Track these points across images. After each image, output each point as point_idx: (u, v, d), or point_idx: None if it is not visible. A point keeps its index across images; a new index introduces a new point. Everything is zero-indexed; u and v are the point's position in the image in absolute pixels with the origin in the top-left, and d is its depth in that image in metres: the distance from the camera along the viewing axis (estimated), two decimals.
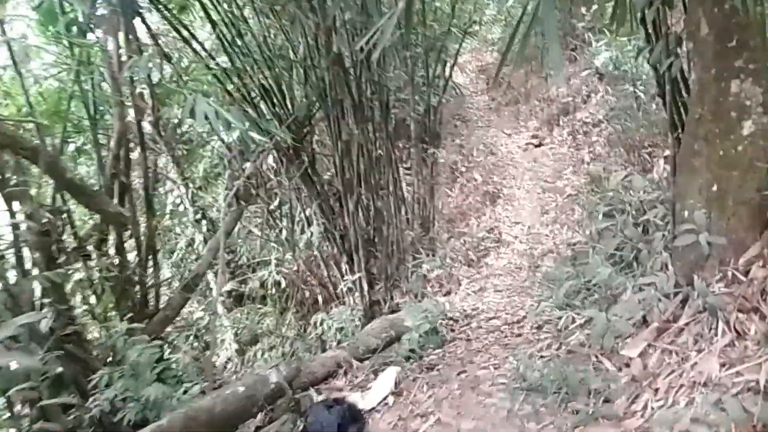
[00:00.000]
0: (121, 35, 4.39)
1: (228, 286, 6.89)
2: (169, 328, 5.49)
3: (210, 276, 7.21)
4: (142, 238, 4.21)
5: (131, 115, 4.58)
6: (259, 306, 7.43)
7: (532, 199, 8.16)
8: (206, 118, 3.67)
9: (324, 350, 4.59)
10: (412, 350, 4.37)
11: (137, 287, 4.12)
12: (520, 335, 4.70)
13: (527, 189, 8.48)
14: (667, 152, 6.61)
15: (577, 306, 4.79)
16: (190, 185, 6.30)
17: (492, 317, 5.50)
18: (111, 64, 4.02)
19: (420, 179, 7.19)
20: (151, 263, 4.27)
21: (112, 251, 4.03)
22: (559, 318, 4.86)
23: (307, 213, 7.05)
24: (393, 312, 6.95)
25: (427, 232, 7.23)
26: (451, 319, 5.62)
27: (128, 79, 4.03)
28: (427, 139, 7.82)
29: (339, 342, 4.68)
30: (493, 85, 13.29)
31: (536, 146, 9.95)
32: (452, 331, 5.31)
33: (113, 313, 4.04)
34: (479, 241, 7.17)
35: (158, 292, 4.23)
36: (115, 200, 3.82)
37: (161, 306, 4.24)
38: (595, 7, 9.58)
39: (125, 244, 4.15)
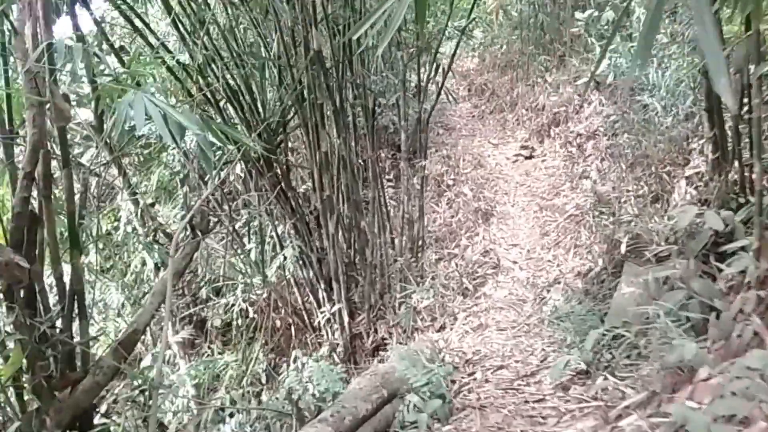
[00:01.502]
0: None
1: (181, 334, 5.79)
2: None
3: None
4: (66, 280, 3.14)
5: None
6: (222, 346, 6.35)
7: (528, 217, 7.25)
8: (148, 118, 2.65)
9: (301, 420, 3.57)
10: (413, 424, 3.39)
11: (57, 346, 3.05)
12: (542, 399, 3.74)
13: (522, 206, 7.57)
14: (689, 172, 5.78)
15: (611, 366, 3.87)
16: (141, 200, 5.19)
17: (499, 365, 4.54)
18: (25, 52, 2.94)
19: (408, 195, 6.21)
20: (76, 312, 3.19)
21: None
22: (586, 376, 3.94)
23: (280, 232, 6.01)
24: (377, 348, 5.98)
25: (415, 257, 6.25)
26: (450, 365, 4.64)
27: (53, 74, 2.95)
28: (414, 150, 6.85)
29: (319, 410, 3.65)
30: (475, 91, 12.42)
31: (526, 158, 9.07)
32: (453, 383, 4.33)
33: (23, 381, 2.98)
34: (474, 265, 6.22)
35: (86, 350, 3.15)
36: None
37: (90, 368, 3.17)
38: (591, 11, 8.76)
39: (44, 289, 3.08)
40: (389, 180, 8.03)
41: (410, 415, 3.44)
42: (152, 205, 5.22)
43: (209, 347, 6.77)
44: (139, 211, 5.15)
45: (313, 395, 3.83)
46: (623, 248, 4.82)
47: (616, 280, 5.11)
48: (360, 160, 6.96)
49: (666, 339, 2.98)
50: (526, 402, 3.73)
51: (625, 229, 5.14)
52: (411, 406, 3.52)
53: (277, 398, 4.09)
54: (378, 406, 3.80)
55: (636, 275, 4.67)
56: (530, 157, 9.05)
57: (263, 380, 6.32)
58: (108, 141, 4.67)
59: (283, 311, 6.43)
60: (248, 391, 4.73)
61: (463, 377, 4.48)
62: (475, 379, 4.42)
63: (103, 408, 4.28)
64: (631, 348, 3.90)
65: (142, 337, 6.29)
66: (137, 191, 5.30)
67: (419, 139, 6.46)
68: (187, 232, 3.43)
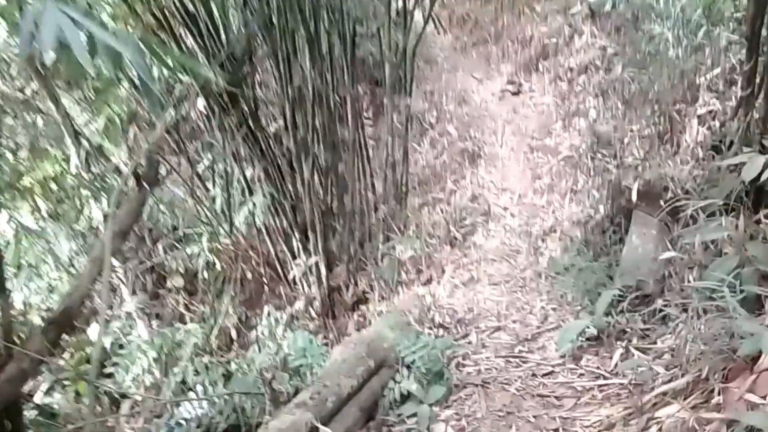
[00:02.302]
0: None
1: (137, 301, 5.12)
2: None
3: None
4: None
5: None
6: (188, 297, 5.74)
7: (518, 159, 6.67)
8: (63, 40, 1.95)
9: (275, 402, 3.02)
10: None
11: None
12: (552, 373, 3.25)
13: (511, 147, 6.96)
14: (702, 111, 5.21)
15: (628, 334, 3.38)
16: (84, 142, 4.44)
17: (496, 326, 4.05)
18: None
19: (391, 135, 5.54)
20: None
21: None
22: (597, 342, 3.45)
23: (249, 177, 5.31)
24: (358, 302, 5.44)
25: (399, 203, 5.64)
26: (441, 326, 4.13)
27: None
28: (397, 86, 6.13)
29: (296, 390, 3.09)
30: (457, 22, 11.51)
31: (513, 94, 8.40)
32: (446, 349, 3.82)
33: None
34: (461, 212, 5.65)
35: (9, 330, 2.52)
36: None
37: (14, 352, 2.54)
38: None
39: None
40: (368, 118, 7.31)
41: (407, 407, 2.90)
42: (99, 147, 4.49)
43: (173, 301, 6.18)
44: (84, 154, 4.41)
45: (289, 374, 3.27)
46: (634, 195, 4.27)
47: (620, 230, 4.61)
48: (337, 96, 6.23)
49: (716, 313, 2.45)
50: (534, 376, 3.23)
51: (633, 174, 4.58)
52: (403, 388, 2.98)
53: (245, 373, 3.53)
54: (364, 380, 3.27)
55: (648, 226, 4.15)
56: (517, 93, 8.38)
57: (233, 335, 5.78)
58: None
59: (253, 262, 5.82)
60: (214, 360, 4.17)
61: (456, 340, 3.98)
62: (470, 343, 3.92)
63: (44, 386, 3.69)
64: (652, 314, 3.41)
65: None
66: (81, 131, 4.53)
67: (403, 72, 5.74)
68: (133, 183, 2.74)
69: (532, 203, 5.76)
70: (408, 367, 3.23)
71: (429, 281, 5.06)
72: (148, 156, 2.86)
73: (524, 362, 3.46)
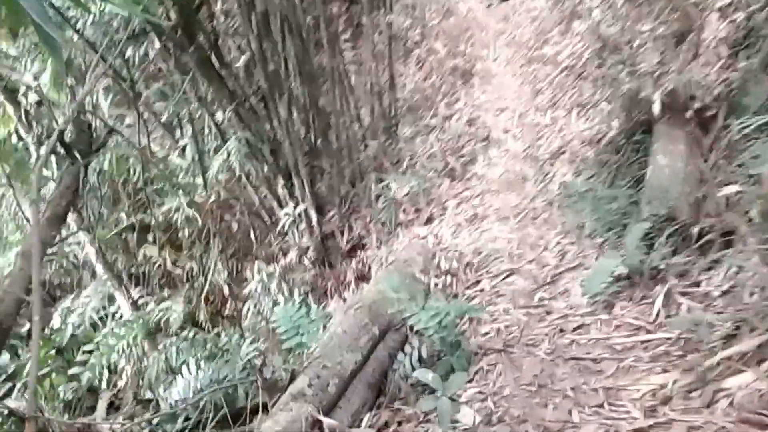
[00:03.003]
0: None
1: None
2: None
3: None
4: None
5: None
6: (175, 253, 5.25)
7: (515, 73, 6.00)
8: None
9: (271, 390, 2.58)
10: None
11: None
12: (583, 326, 2.80)
13: (506, 60, 6.28)
14: (722, 2, 4.54)
15: (665, 273, 2.91)
16: (24, 101, 3.79)
17: (509, 270, 3.59)
18: None
19: (374, 59, 4.87)
20: None
21: None
22: (629, 285, 3.00)
23: (219, 121, 4.69)
24: (354, 248, 4.96)
25: (389, 136, 5.06)
26: (448, 273, 3.67)
27: None
28: (376, 1, 5.41)
29: (292, 374, 2.63)
30: None
31: (502, 0, 7.59)
32: (455, 297, 3.38)
33: None
34: (458, 139, 5.07)
35: None
36: None
37: None
38: None
39: None
40: (346, 41, 6.56)
41: (424, 402, 2.45)
42: (39, 104, 3.83)
43: (159, 259, 5.69)
44: (23, 111, 3.77)
45: (283, 357, 2.81)
46: (656, 108, 3.70)
47: (641, 148, 4.06)
48: (310, 18, 5.50)
49: None
50: (562, 332, 2.79)
51: (651, 83, 3.98)
52: (416, 374, 2.53)
53: (235, 349, 3.07)
54: (369, 351, 2.84)
55: (674, 142, 3.61)
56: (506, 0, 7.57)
57: (225, 291, 5.35)
58: None
59: (238, 213, 5.30)
60: (201, 330, 3.72)
61: (465, 289, 3.53)
62: (482, 291, 3.47)
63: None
64: (690, 245, 2.93)
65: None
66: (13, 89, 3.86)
67: None
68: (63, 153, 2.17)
69: (535, 122, 5.17)
70: (418, 333, 2.78)
71: (430, 220, 4.56)
72: (77, 120, 2.27)
73: (548, 313, 3.01)
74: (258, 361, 2.78)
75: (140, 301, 4.86)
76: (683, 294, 2.67)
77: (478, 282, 3.56)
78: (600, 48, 5.14)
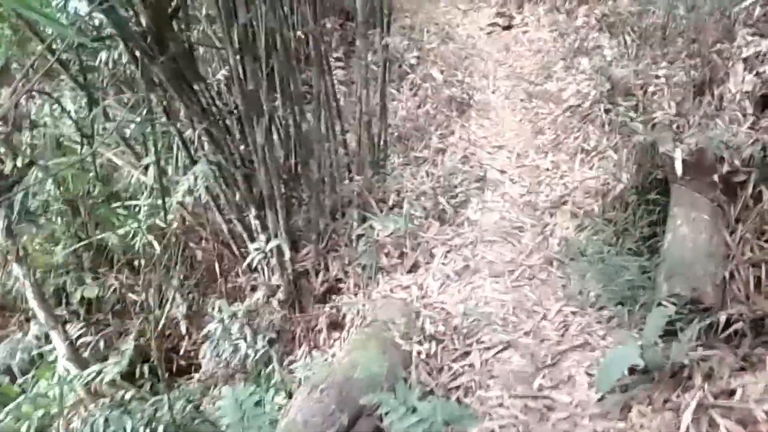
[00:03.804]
0: None
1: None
2: None
3: None
4: None
5: None
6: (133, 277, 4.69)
7: (515, 108, 5.56)
8: None
9: None
10: None
11: None
12: None
13: (505, 93, 5.83)
14: (748, 52, 4.14)
15: (690, 369, 2.45)
16: None
17: (503, 342, 3.10)
18: None
19: (365, 85, 4.38)
20: None
21: None
22: (649, 379, 2.53)
23: (189, 140, 4.16)
24: (329, 291, 4.43)
25: (377, 169, 4.57)
26: (433, 338, 3.17)
27: None
28: (372, 20, 4.93)
29: None
30: None
31: (504, 29, 7.19)
32: (440, 372, 2.90)
33: None
34: (451, 177, 4.59)
35: None
36: None
37: None
38: None
39: None
40: (338, 60, 6.09)
41: None
42: None
43: (116, 282, 5.11)
44: None
45: None
46: (678, 167, 3.25)
47: (654, 209, 3.62)
48: (299, 34, 5.00)
49: None
50: None
51: (671, 137, 3.55)
52: None
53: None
54: None
55: (698, 209, 3.16)
56: (509, 27, 7.18)
57: (182, 329, 4.79)
58: None
59: (203, 241, 4.76)
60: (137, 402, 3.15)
61: (452, 362, 3.02)
62: (471, 367, 2.97)
63: None
64: (722, 343, 2.48)
65: None
66: None
67: (379, 4, 4.53)
68: None
69: (535, 165, 4.72)
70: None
71: (415, 267, 4.06)
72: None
73: (550, 410, 2.53)
74: None
75: (82, 340, 4.29)
76: (715, 407, 2.19)
77: (467, 354, 3.06)
78: (609, 90, 4.72)
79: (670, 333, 2.64)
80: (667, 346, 2.58)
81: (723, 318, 2.69)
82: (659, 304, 2.79)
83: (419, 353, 3.06)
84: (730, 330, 2.69)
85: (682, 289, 2.81)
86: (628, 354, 2.49)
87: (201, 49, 4.70)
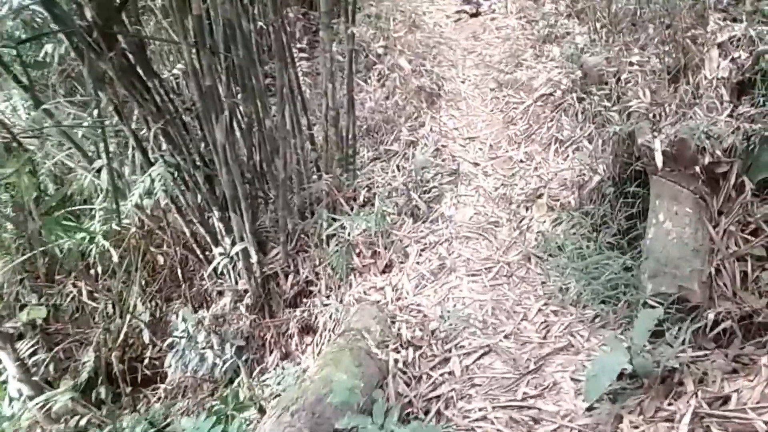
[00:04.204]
0: None
1: None
2: None
3: None
4: None
5: None
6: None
7: (485, 98, 5.37)
8: None
9: None
10: None
11: None
12: None
13: (475, 82, 5.64)
14: (723, 37, 4.03)
15: (680, 372, 2.32)
16: None
17: (483, 346, 2.93)
18: None
19: (331, 77, 4.14)
20: None
21: None
22: (638, 386, 2.39)
23: (144, 137, 3.86)
24: (300, 294, 4.21)
25: (346, 164, 4.35)
26: (410, 344, 2.99)
27: None
28: (336, 8, 4.69)
29: None
30: None
31: (472, 16, 6.99)
32: (419, 381, 2.73)
33: None
34: (423, 172, 4.39)
35: None
36: None
37: None
38: None
39: None
40: (301, 50, 5.82)
41: None
42: None
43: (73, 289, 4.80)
44: None
45: None
46: (658, 159, 3.11)
47: (633, 201, 3.49)
48: (261, 25, 4.74)
49: None
50: None
51: (649, 126, 3.41)
52: None
53: None
54: None
55: (680, 202, 3.03)
56: (476, 15, 6.98)
57: (145, 338, 4.50)
58: None
59: (165, 245, 4.48)
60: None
61: (431, 370, 2.85)
62: (451, 375, 2.80)
63: None
64: (711, 344, 2.35)
65: None
66: None
67: None
68: None
69: (508, 156, 4.55)
70: None
71: (389, 267, 3.87)
72: None
73: (536, 422, 2.37)
74: None
75: (34, 359, 3.99)
76: (711, 417, 2.06)
77: (446, 360, 2.89)
78: (581, 78, 4.58)
79: (656, 333, 2.51)
80: (654, 348, 2.44)
81: (711, 317, 2.57)
82: (645, 304, 2.65)
83: (396, 362, 2.88)
84: (719, 329, 2.57)
85: (667, 288, 2.67)
86: (616, 360, 2.34)
87: (156, 42, 4.40)
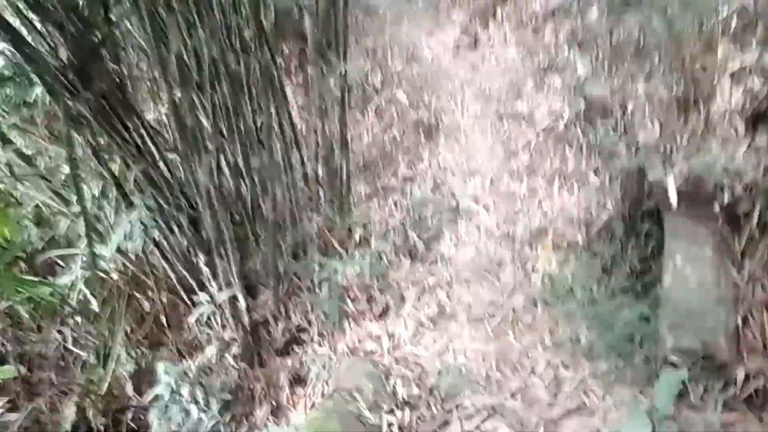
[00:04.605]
0: None
1: None
2: None
3: None
4: None
5: None
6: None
7: (485, 131, 5.15)
8: None
9: None
10: None
11: None
12: None
13: (475, 115, 5.43)
14: (735, 66, 3.80)
15: None
16: None
17: (488, 407, 2.64)
18: None
19: (322, 113, 3.93)
20: None
21: None
22: None
23: (124, 183, 3.63)
24: (292, 342, 3.92)
25: (340, 204, 4.10)
26: (406, 404, 2.70)
27: None
28: (327, 45, 4.49)
29: None
30: None
31: (471, 47, 6.81)
32: None
33: None
34: (421, 208, 4.14)
35: None
36: None
37: None
38: None
39: None
40: (298, 85, 5.64)
41: None
42: None
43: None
44: None
45: None
46: (672, 197, 2.85)
47: (646, 242, 3.21)
48: (249, 60, 4.54)
49: None
50: None
51: (660, 160, 3.16)
52: None
53: None
54: None
55: (699, 243, 2.75)
56: (475, 46, 6.80)
57: (129, 391, 4.21)
58: None
59: (150, 291, 4.22)
60: None
61: None
62: None
63: None
64: (742, 407, 2.05)
65: None
66: None
67: (334, 25, 4.09)
68: None
69: (510, 191, 4.30)
70: None
71: (385, 313, 3.59)
72: None
73: None
74: None
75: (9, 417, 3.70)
76: None
77: (446, 423, 2.60)
78: (585, 110, 4.34)
79: (678, 393, 2.21)
80: (679, 414, 2.14)
81: (741, 376, 2.27)
82: (666, 361, 2.36)
83: (390, 426, 2.58)
84: (750, 389, 2.27)
85: (690, 343, 2.39)
86: (638, 431, 2.04)
87: (138, 80, 4.20)
